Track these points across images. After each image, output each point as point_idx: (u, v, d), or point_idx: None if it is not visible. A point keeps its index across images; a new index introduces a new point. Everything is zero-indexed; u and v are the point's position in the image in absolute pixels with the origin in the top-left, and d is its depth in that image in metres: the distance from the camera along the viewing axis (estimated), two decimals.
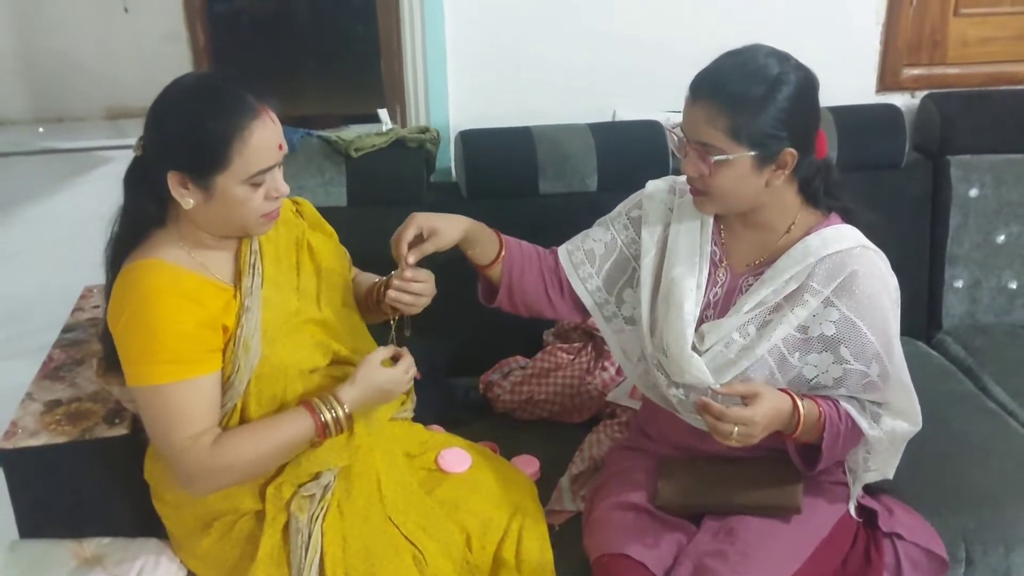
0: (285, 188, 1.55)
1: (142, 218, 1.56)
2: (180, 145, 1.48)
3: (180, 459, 1.52)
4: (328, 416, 1.56)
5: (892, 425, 1.63)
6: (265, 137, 1.49)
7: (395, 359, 1.67)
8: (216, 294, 1.55)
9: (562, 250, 1.82)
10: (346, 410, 1.58)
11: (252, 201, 1.51)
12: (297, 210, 1.77)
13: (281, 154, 1.53)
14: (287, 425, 1.57)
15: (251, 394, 1.59)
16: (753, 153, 1.53)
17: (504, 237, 1.78)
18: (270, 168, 1.51)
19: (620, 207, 1.82)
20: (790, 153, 1.53)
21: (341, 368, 1.71)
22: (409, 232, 1.66)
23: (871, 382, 1.59)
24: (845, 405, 1.60)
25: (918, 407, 1.65)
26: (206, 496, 1.59)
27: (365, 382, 1.60)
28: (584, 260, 1.80)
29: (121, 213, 1.58)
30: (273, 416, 1.60)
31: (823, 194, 1.65)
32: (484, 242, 1.75)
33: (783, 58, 1.55)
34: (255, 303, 1.58)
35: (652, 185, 1.80)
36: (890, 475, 1.70)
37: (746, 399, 1.52)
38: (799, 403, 1.56)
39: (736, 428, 1.49)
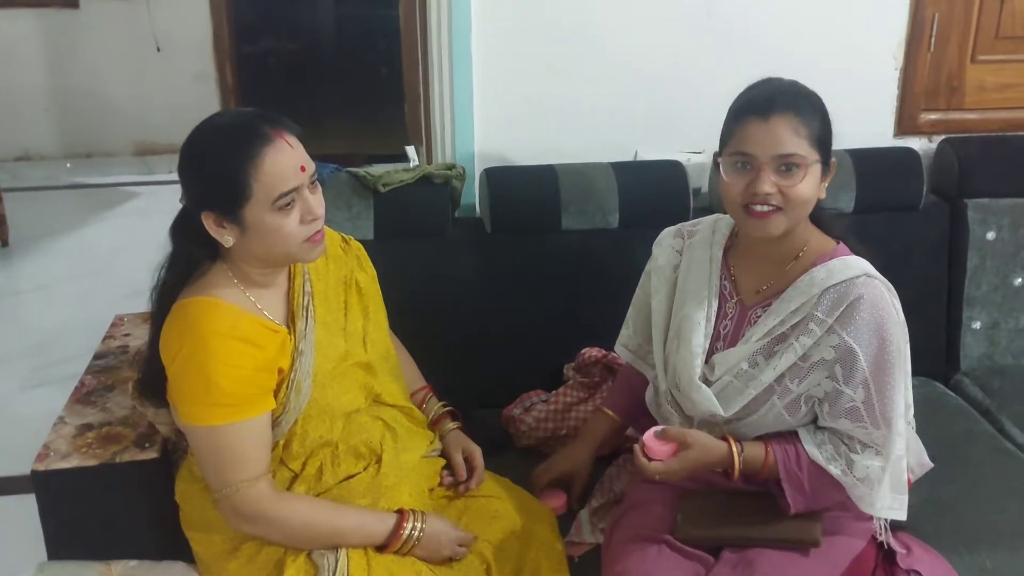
0: (319, 210, 1.55)
1: (192, 264, 1.58)
2: (203, 185, 1.52)
3: (232, 498, 1.54)
4: (414, 529, 1.64)
5: (866, 470, 1.61)
6: (280, 161, 1.48)
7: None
8: (271, 337, 1.58)
9: (618, 347, 1.98)
10: (423, 528, 1.64)
11: (286, 227, 1.51)
12: (345, 248, 1.80)
13: (304, 175, 1.51)
14: (360, 515, 1.64)
15: (296, 434, 1.63)
16: (821, 161, 1.60)
17: (615, 411, 1.97)
18: (293, 190, 1.50)
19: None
20: (834, 163, 1.63)
21: (378, 408, 1.76)
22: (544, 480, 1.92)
23: (854, 407, 1.59)
24: (813, 450, 1.62)
25: (896, 442, 1.62)
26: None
27: (444, 524, 1.69)
28: (630, 334, 1.94)
29: (169, 262, 1.60)
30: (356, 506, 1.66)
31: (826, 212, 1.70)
32: (610, 436, 1.98)
33: None
34: (308, 347, 1.62)
35: (662, 233, 1.88)
36: (902, 517, 1.68)
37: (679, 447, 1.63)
38: (733, 446, 1.63)
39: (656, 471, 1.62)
